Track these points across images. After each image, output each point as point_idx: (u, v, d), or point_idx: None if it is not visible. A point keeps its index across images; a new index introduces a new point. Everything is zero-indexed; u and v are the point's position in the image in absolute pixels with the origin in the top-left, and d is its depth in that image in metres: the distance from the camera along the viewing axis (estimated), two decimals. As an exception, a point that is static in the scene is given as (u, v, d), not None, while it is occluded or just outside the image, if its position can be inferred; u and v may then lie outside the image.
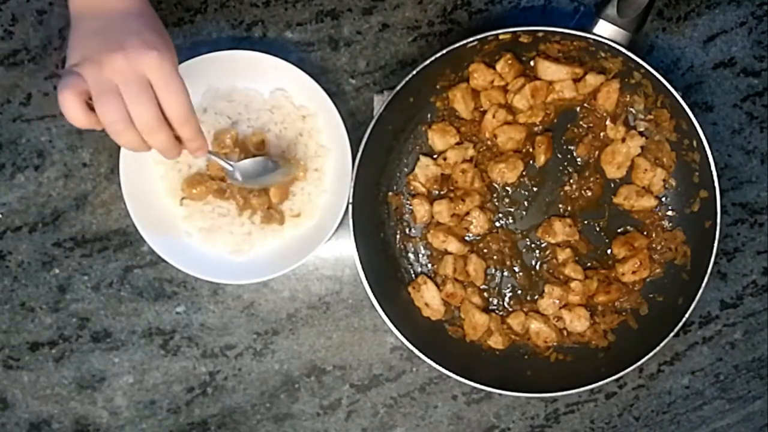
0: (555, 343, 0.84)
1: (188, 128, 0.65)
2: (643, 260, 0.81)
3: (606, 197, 0.84)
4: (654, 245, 0.83)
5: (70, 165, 0.85)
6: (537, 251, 0.85)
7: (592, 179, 0.83)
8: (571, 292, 0.82)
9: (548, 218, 0.84)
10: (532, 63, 0.82)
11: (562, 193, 0.84)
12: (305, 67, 0.79)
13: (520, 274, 0.85)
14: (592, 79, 0.80)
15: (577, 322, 0.82)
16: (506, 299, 0.85)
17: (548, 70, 0.80)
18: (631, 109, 0.82)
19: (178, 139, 0.65)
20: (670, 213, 0.83)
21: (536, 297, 0.85)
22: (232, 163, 0.76)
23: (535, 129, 0.83)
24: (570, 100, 0.82)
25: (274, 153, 0.82)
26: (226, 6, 0.84)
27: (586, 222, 0.84)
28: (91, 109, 0.61)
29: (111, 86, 0.60)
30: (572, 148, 0.84)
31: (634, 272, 0.82)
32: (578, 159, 0.84)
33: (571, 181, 0.84)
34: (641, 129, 0.82)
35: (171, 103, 0.62)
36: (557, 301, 0.82)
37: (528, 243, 0.85)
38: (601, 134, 0.83)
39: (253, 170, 0.78)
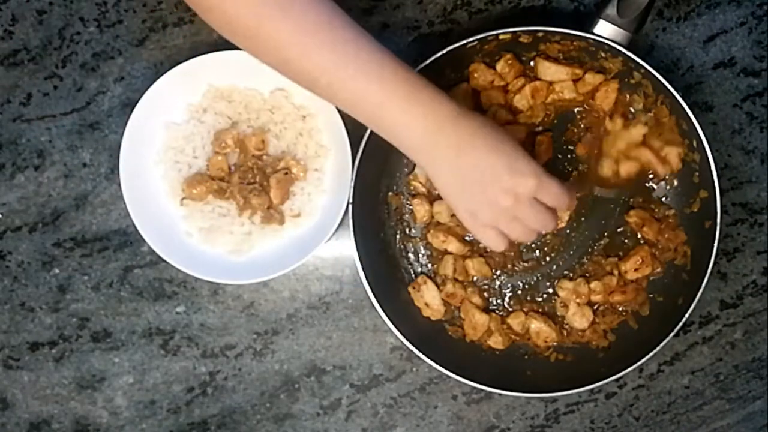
0: (555, 343, 0.84)
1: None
2: (644, 257, 0.82)
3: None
4: (656, 243, 0.83)
5: (70, 165, 0.85)
6: (537, 251, 0.85)
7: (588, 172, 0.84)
8: (592, 292, 0.82)
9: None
10: (532, 63, 0.82)
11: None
12: (305, 67, 0.79)
13: (521, 274, 0.85)
14: (591, 78, 0.80)
15: (579, 319, 0.82)
16: (506, 299, 0.85)
17: (548, 70, 0.80)
18: (631, 109, 0.82)
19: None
20: (670, 213, 0.83)
21: (536, 297, 0.85)
22: None
23: (536, 129, 0.83)
24: (570, 100, 0.82)
25: (274, 153, 0.82)
26: (226, 6, 0.84)
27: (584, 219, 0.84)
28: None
29: (507, 217, 0.68)
30: (572, 148, 0.84)
31: (636, 269, 0.82)
32: (578, 158, 0.84)
33: (572, 179, 0.84)
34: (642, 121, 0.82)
35: (557, 206, 0.70)
36: (575, 296, 0.82)
37: (528, 243, 0.85)
38: (601, 129, 0.83)
39: None
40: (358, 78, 0.63)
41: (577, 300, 0.83)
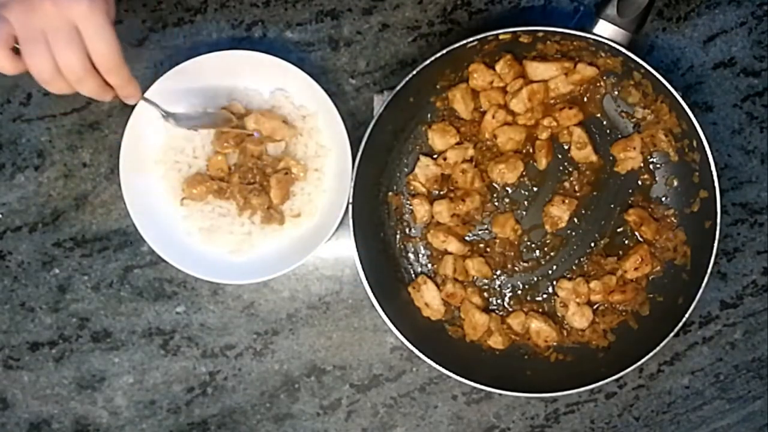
0: (555, 343, 0.84)
1: (116, 76, 0.64)
2: (644, 256, 0.82)
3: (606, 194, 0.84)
4: (654, 242, 0.83)
5: (70, 165, 0.85)
6: (537, 251, 0.85)
7: (589, 172, 0.84)
8: (592, 291, 0.82)
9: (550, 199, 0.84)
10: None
11: (561, 189, 0.84)
12: (305, 67, 0.79)
13: (521, 274, 0.85)
14: (583, 69, 0.80)
15: (579, 318, 0.82)
16: (506, 299, 0.85)
17: (537, 70, 0.80)
18: (625, 103, 0.82)
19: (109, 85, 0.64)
20: (670, 213, 0.83)
21: (536, 297, 0.85)
22: (165, 112, 0.76)
23: (535, 134, 0.83)
24: (569, 93, 0.82)
25: (274, 153, 0.82)
26: (226, 6, 0.84)
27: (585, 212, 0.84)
28: (18, 53, 0.60)
29: (38, 33, 0.59)
30: (570, 152, 0.84)
31: (636, 269, 0.82)
32: (577, 161, 0.84)
33: (572, 179, 0.84)
34: (639, 116, 0.82)
35: (98, 52, 0.61)
36: (574, 296, 0.82)
37: (528, 243, 0.85)
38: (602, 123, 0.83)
39: (186, 117, 0.78)
40: None
41: (577, 300, 0.83)
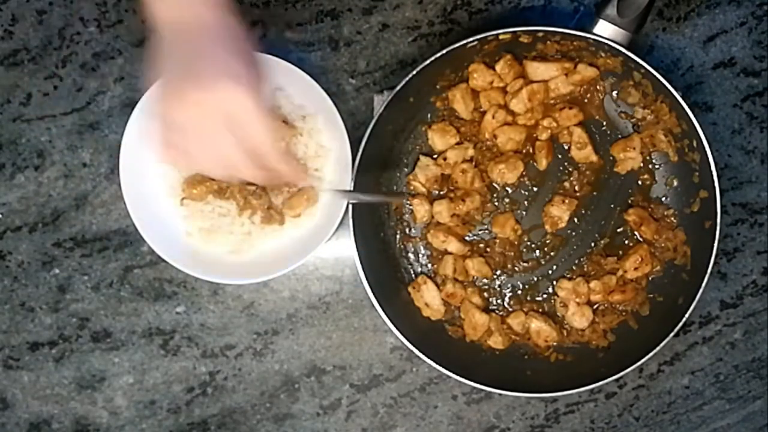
0: (555, 343, 0.84)
1: (270, 161, 0.63)
2: (644, 256, 0.82)
3: (607, 194, 0.84)
4: (654, 242, 0.83)
5: (70, 165, 0.85)
6: (537, 251, 0.85)
7: (589, 172, 0.84)
8: (592, 291, 0.83)
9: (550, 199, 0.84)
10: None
11: (561, 189, 0.84)
12: (305, 67, 0.79)
13: (521, 274, 0.85)
14: (584, 70, 0.80)
15: (578, 318, 0.82)
16: (506, 299, 0.85)
17: (537, 70, 0.80)
18: (625, 103, 0.82)
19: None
20: (670, 213, 0.83)
21: (536, 297, 0.85)
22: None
23: (535, 135, 0.83)
24: (569, 94, 0.82)
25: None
26: (226, 6, 0.84)
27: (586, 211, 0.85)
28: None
29: (193, 124, 0.59)
30: (570, 153, 0.84)
31: (636, 268, 0.82)
32: (577, 161, 0.84)
33: (572, 179, 0.84)
34: (639, 117, 0.82)
35: (250, 140, 0.60)
36: (574, 296, 0.82)
37: (528, 243, 0.85)
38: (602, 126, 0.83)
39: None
40: None
41: (577, 300, 0.83)
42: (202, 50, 0.58)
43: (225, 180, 0.62)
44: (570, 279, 0.84)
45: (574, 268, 0.84)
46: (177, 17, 0.59)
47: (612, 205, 0.84)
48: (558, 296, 0.84)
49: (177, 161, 0.60)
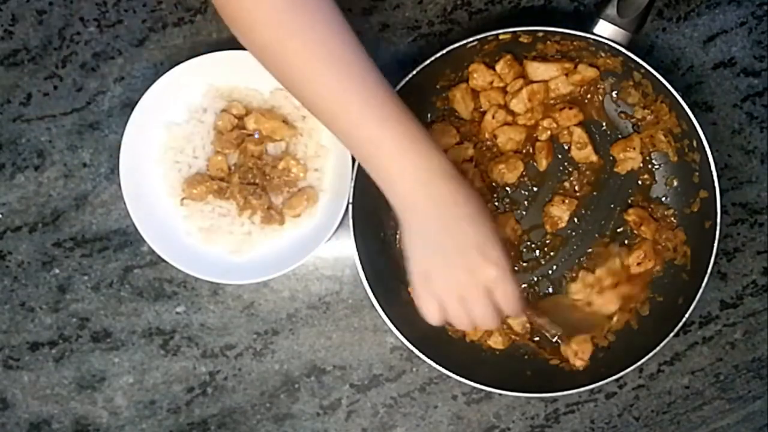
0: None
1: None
2: (647, 251, 0.81)
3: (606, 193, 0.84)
4: (654, 242, 0.83)
5: (70, 165, 0.85)
6: (537, 251, 0.85)
7: (589, 172, 0.84)
8: (600, 280, 0.82)
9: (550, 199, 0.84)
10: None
11: (561, 189, 0.84)
12: (305, 67, 0.79)
13: (521, 274, 0.85)
14: (584, 70, 0.80)
15: (608, 304, 0.81)
16: (506, 299, 0.85)
17: (537, 70, 0.80)
18: (625, 103, 0.82)
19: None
20: (670, 213, 0.83)
21: (536, 297, 0.85)
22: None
23: (535, 135, 0.83)
24: (569, 94, 0.82)
25: (274, 153, 0.82)
26: (226, 6, 0.84)
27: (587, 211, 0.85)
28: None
29: (458, 294, 0.66)
30: (570, 154, 0.84)
31: (639, 263, 0.82)
32: (576, 161, 0.84)
33: (572, 179, 0.84)
34: (639, 117, 0.82)
35: (506, 308, 0.67)
36: (590, 289, 0.82)
37: (528, 243, 0.85)
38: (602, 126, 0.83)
39: None
40: (362, 115, 0.63)
41: (596, 290, 0.82)
42: (464, 239, 0.65)
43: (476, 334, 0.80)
44: (574, 279, 0.83)
45: (574, 267, 0.84)
46: (429, 204, 0.65)
47: (612, 205, 0.84)
48: (578, 299, 0.83)
49: (442, 320, 0.68)
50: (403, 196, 0.65)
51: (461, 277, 0.65)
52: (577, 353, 0.82)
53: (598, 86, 0.82)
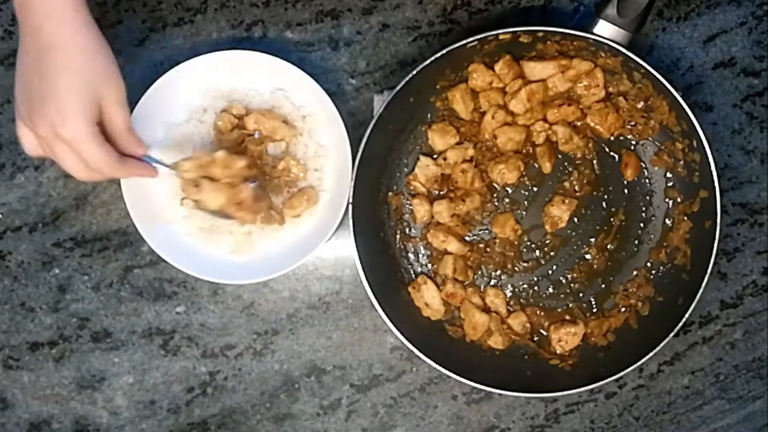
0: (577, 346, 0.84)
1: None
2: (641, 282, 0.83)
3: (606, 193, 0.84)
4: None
5: (70, 165, 0.85)
6: (537, 251, 0.85)
7: (589, 172, 0.84)
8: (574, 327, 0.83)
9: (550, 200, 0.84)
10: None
11: (561, 189, 0.84)
12: (305, 67, 0.79)
13: (521, 274, 0.85)
14: (578, 64, 0.80)
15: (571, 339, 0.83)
16: (506, 299, 0.85)
17: (534, 70, 0.80)
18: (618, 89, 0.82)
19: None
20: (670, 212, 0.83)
21: (537, 297, 0.85)
22: (168, 164, 0.76)
23: (532, 140, 0.83)
24: (567, 92, 0.82)
25: (274, 153, 0.82)
26: (226, 6, 0.84)
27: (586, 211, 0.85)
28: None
29: (45, 141, 0.65)
30: (571, 153, 0.84)
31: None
32: (576, 156, 0.84)
33: (572, 179, 0.84)
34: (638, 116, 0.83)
35: (93, 165, 0.66)
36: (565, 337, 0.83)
37: (528, 243, 0.85)
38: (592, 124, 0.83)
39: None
40: None
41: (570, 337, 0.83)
42: (52, 80, 0.63)
43: (97, 180, 0.70)
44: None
45: (574, 267, 0.84)
46: (33, 26, 0.63)
47: (613, 208, 0.84)
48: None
49: (33, 149, 0.68)
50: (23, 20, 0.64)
51: (44, 129, 0.64)
52: (560, 340, 0.82)
53: (598, 85, 0.82)
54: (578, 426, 0.88)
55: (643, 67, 0.75)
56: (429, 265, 0.85)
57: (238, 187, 0.75)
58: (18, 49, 0.65)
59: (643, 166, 0.83)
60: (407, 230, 0.86)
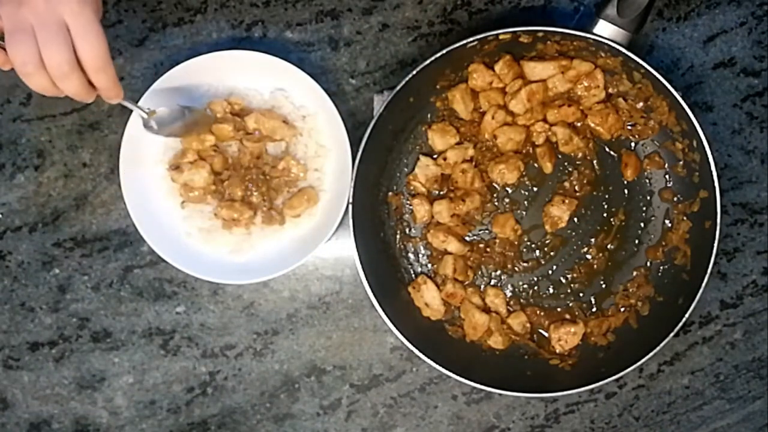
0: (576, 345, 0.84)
1: (103, 76, 0.62)
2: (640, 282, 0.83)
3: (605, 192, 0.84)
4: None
5: (70, 165, 0.85)
6: (537, 251, 0.85)
7: (589, 172, 0.84)
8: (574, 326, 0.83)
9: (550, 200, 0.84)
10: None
11: (561, 189, 0.84)
12: (305, 67, 0.79)
13: (521, 274, 0.85)
14: (578, 65, 0.80)
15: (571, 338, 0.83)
16: (506, 299, 0.85)
17: (535, 70, 0.80)
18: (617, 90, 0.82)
19: (92, 85, 0.63)
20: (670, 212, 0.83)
21: (537, 297, 0.85)
22: (146, 110, 0.75)
23: (532, 140, 0.83)
24: (567, 92, 0.82)
25: (274, 153, 0.82)
26: (226, 6, 0.84)
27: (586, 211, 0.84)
28: (3, 48, 0.60)
29: (26, 26, 0.58)
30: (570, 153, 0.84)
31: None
32: (576, 156, 0.84)
33: (572, 179, 0.84)
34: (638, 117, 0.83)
35: (86, 50, 0.60)
36: (564, 337, 0.83)
37: (528, 243, 0.85)
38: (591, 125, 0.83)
39: (168, 117, 0.77)
40: None
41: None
42: None
43: (42, 89, 0.62)
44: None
45: (574, 267, 0.84)
46: None
47: (614, 208, 0.84)
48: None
49: (2, 64, 0.61)
50: None
51: (37, 2, 0.58)
52: (560, 340, 0.82)
53: (598, 85, 0.82)
54: (578, 426, 0.88)
55: (643, 67, 0.75)
56: (429, 265, 0.85)
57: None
58: None
59: (643, 166, 0.83)
60: (407, 230, 0.86)
